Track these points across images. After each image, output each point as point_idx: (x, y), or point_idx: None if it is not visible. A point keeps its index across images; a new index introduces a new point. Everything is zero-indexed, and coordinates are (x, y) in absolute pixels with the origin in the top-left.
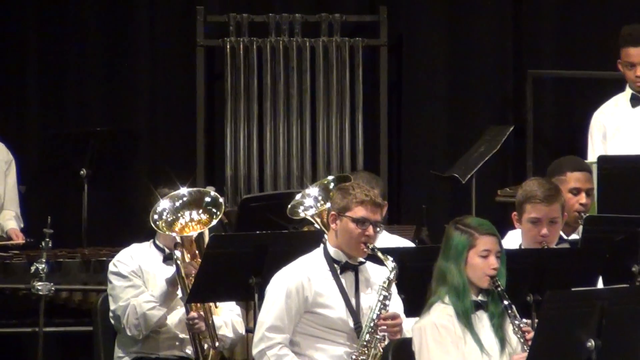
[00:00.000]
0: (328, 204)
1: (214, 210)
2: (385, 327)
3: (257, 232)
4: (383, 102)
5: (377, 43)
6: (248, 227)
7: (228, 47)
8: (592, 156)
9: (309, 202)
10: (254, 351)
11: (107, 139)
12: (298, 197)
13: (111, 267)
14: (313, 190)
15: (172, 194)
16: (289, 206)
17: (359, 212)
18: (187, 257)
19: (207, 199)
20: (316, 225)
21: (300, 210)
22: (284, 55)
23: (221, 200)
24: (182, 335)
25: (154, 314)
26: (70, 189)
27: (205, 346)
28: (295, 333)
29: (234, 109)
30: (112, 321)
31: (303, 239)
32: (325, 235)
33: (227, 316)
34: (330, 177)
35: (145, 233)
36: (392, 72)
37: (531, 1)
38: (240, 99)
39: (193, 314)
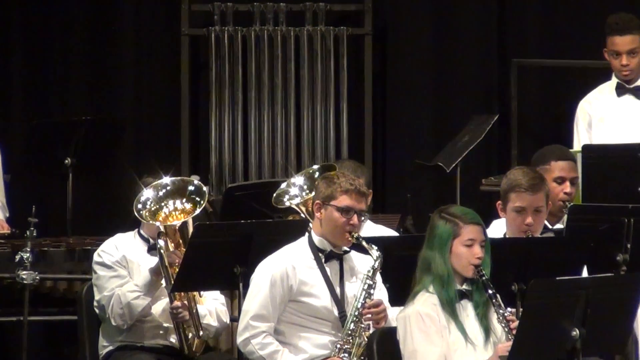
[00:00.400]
0: (313, 193)
1: (198, 199)
2: (369, 316)
3: (242, 221)
4: (368, 91)
5: (362, 32)
6: (233, 216)
7: (213, 36)
8: (577, 145)
9: (294, 191)
10: (239, 340)
11: (92, 128)
12: (283, 186)
13: (96, 257)
14: (298, 179)
15: (156, 183)
16: (274, 195)
17: (344, 201)
18: (171, 247)
19: (191, 188)
20: (301, 214)
21: (285, 199)
22: (269, 45)
23: (205, 189)
24: (166, 325)
25: (139, 304)
26: (55, 178)
27: (190, 335)
28: (280, 322)
29: (219, 98)
30: (97, 311)
31: (288, 228)
32: (310, 224)
33: (211, 305)
34: (316, 166)
35: (129, 222)
36: (377, 61)
37: None
38: (224, 88)
39: (177, 303)
